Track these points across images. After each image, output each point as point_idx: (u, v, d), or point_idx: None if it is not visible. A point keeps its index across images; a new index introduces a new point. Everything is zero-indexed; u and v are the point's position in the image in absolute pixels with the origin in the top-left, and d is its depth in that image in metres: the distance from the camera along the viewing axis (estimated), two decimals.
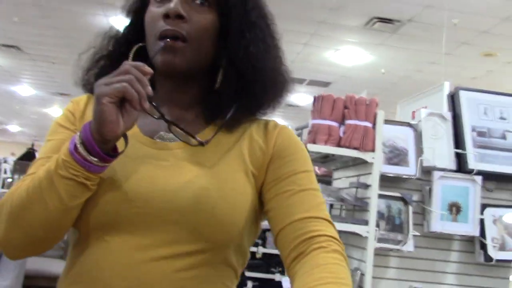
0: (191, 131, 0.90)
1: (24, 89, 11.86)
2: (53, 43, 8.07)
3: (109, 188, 0.84)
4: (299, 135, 2.89)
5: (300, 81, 8.82)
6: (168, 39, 0.86)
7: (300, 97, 9.93)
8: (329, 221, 0.85)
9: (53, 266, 4.00)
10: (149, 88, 0.78)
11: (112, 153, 0.82)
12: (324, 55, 7.50)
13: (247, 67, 0.91)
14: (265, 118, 1.00)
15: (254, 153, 0.91)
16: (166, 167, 0.86)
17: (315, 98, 2.39)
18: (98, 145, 0.79)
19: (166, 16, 0.86)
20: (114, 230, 0.83)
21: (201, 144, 0.87)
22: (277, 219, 0.85)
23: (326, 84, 9.05)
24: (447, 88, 2.70)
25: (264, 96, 0.95)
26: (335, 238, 0.82)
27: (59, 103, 13.25)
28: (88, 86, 0.98)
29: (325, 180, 3.08)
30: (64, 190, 0.80)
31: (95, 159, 0.79)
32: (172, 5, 0.86)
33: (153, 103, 0.86)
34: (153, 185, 0.83)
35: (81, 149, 0.79)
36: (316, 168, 3.24)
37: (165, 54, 0.86)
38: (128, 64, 0.79)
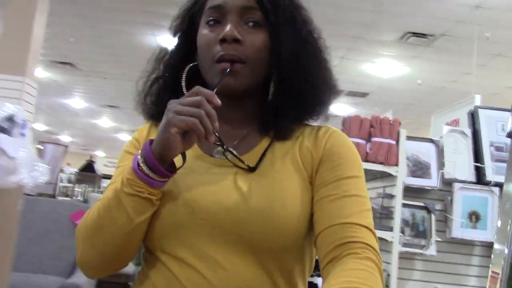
0: (247, 146, 0.93)
1: (76, 102, 12.54)
2: (104, 60, 8.63)
3: (172, 202, 0.87)
4: None
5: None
6: (229, 65, 0.89)
7: (339, 107, 10.18)
8: (369, 229, 0.83)
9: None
10: (217, 124, 0.81)
11: (170, 169, 0.86)
12: (361, 68, 7.74)
13: (300, 81, 0.93)
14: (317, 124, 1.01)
15: (305, 159, 0.91)
16: (224, 180, 0.88)
17: (344, 119, 2.70)
18: (160, 165, 0.83)
19: (223, 40, 0.89)
20: (178, 241, 0.86)
21: (250, 169, 0.88)
22: (317, 222, 0.85)
23: (364, 95, 9.27)
24: (478, 101, 2.96)
25: (315, 106, 0.96)
26: (371, 246, 0.81)
27: (108, 115, 13.90)
28: (147, 114, 1.00)
29: None
30: (130, 207, 0.84)
31: (156, 176, 0.84)
32: (228, 29, 0.88)
33: (218, 135, 0.88)
34: (214, 198, 0.86)
35: (143, 167, 0.83)
36: None
37: (225, 77, 0.89)
38: (200, 93, 0.81)
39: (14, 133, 1.51)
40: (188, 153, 0.88)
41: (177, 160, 0.87)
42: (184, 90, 0.94)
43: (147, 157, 0.83)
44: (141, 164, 0.83)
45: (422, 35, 6.12)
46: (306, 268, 0.93)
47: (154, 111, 0.99)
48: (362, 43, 6.63)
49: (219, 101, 0.81)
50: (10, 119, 1.53)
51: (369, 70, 7.81)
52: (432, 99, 8.77)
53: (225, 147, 0.90)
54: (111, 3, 5.98)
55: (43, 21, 4.88)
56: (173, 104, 0.81)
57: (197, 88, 0.82)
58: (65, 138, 18.81)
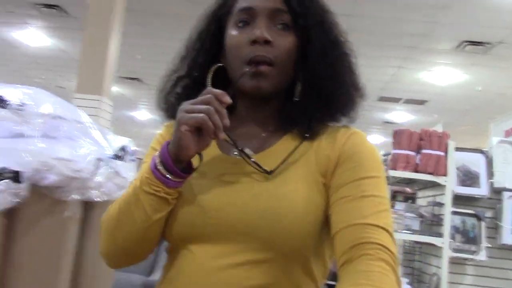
0: (267, 145, 0.93)
1: (142, 114, 13.21)
2: None
3: (186, 201, 0.89)
4: (385, 161, 3.40)
5: (396, 100, 9.13)
6: (256, 68, 0.89)
7: (397, 114, 10.20)
8: (386, 230, 0.81)
9: None
10: (227, 120, 0.82)
11: (187, 170, 0.87)
12: (418, 76, 7.79)
13: (327, 82, 0.92)
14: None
15: (321, 160, 0.89)
16: (237, 181, 0.89)
17: (394, 132, 2.90)
18: (175, 164, 0.85)
19: (254, 41, 0.89)
20: (193, 240, 0.88)
21: (267, 173, 0.88)
22: (333, 223, 0.84)
23: (422, 102, 9.26)
24: None
25: (342, 108, 0.95)
26: (385, 247, 0.79)
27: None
28: (168, 111, 1.00)
29: (412, 197, 3.55)
30: (148, 205, 0.87)
31: (172, 176, 0.86)
32: (259, 31, 0.89)
33: (228, 134, 0.89)
34: (225, 198, 0.87)
35: (160, 167, 0.85)
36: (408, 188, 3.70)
37: (253, 79, 0.89)
38: (210, 93, 0.83)
39: (126, 159, 1.86)
40: (207, 153, 0.89)
41: (196, 161, 0.88)
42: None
43: (163, 158, 0.85)
44: (158, 164, 0.86)
45: (479, 43, 6.13)
46: (319, 271, 0.91)
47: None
48: (418, 52, 6.71)
49: (229, 100, 0.83)
50: (123, 149, 1.88)
51: (426, 78, 7.84)
52: (491, 105, 8.66)
53: (240, 148, 0.91)
54: (175, 24, 6.40)
55: (117, 43, 5.32)
56: (185, 105, 0.83)
57: (208, 88, 0.84)
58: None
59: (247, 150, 0.91)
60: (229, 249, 0.85)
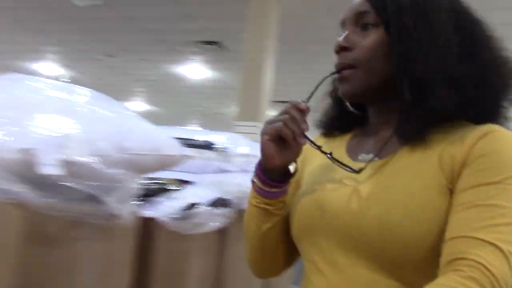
0: (387, 150, 0.86)
1: None
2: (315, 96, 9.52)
3: (302, 206, 0.90)
4: None
5: None
6: (339, 74, 0.89)
7: None
8: (497, 247, 0.70)
9: None
10: (305, 125, 0.85)
11: (284, 179, 0.90)
12: None
13: (426, 70, 0.82)
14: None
15: (445, 162, 0.79)
16: (352, 185, 0.85)
17: None
18: (265, 175, 0.88)
19: (337, 52, 0.90)
20: (310, 244, 0.88)
21: (355, 171, 0.85)
22: (446, 234, 0.75)
23: None
24: None
25: (473, 107, 0.83)
26: (483, 266, 0.68)
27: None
28: (318, 125, 1.03)
29: None
30: (254, 216, 0.92)
31: (264, 186, 0.89)
32: (337, 40, 0.90)
33: (309, 138, 0.88)
34: (340, 201, 0.84)
35: (255, 179, 0.91)
36: None
37: (340, 85, 0.90)
38: (290, 103, 0.86)
39: None
40: (337, 157, 0.89)
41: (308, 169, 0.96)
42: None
43: (256, 170, 0.90)
44: (253, 177, 0.91)
45: None
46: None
47: (322, 121, 1.02)
48: None
49: (304, 106, 0.85)
50: None
51: None
52: None
53: (324, 151, 0.90)
54: (325, 49, 6.77)
55: (272, 72, 5.76)
56: (270, 118, 0.87)
57: (293, 101, 0.86)
58: None
59: (363, 156, 0.90)
60: (344, 255, 0.82)
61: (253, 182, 0.91)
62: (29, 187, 1.10)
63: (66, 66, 10.21)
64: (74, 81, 10.84)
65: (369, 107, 0.94)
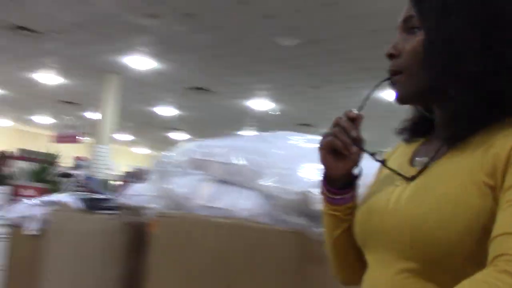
0: (439, 153, 0.85)
1: None
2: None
3: (362, 205, 0.93)
4: None
5: None
6: (389, 81, 0.90)
7: None
8: None
9: None
10: (354, 133, 0.89)
11: (353, 184, 0.96)
12: None
13: (462, 71, 0.81)
14: None
15: (488, 160, 0.77)
16: (397, 188, 0.87)
17: None
18: (331, 184, 0.95)
19: (388, 57, 0.91)
20: (365, 247, 0.92)
21: (407, 179, 0.85)
22: (493, 231, 0.73)
23: None
24: None
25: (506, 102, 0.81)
26: None
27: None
28: (398, 132, 1.00)
29: None
30: (327, 224, 0.99)
31: (330, 193, 0.96)
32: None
33: (360, 145, 0.91)
34: (384, 204, 0.86)
35: (322, 189, 0.97)
36: None
37: (394, 91, 0.91)
38: (342, 115, 0.90)
39: None
40: (394, 163, 0.92)
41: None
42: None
43: (322, 180, 0.97)
44: (321, 187, 0.97)
45: None
46: None
47: (400, 128, 1.00)
48: None
49: (354, 115, 0.90)
50: None
51: None
52: None
53: (377, 158, 0.94)
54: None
55: None
56: (326, 132, 0.92)
57: (347, 111, 0.91)
58: None
59: (418, 160, 0.89)
60: (387, 257, 0.83)
61: (322, 192, 0.97)
62: (305, 219, 1.43)
63: (276, 100, 11.17)
64: (283, 112, 11.79)
65: (434, 109, 0.92)
